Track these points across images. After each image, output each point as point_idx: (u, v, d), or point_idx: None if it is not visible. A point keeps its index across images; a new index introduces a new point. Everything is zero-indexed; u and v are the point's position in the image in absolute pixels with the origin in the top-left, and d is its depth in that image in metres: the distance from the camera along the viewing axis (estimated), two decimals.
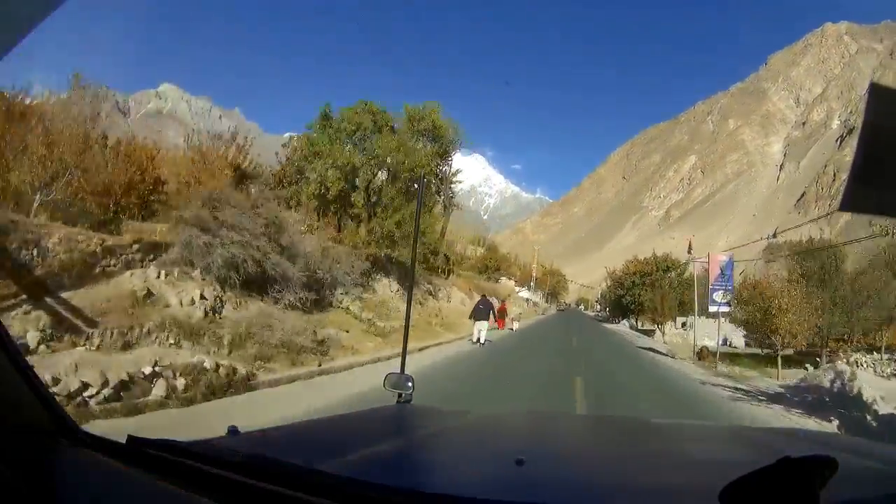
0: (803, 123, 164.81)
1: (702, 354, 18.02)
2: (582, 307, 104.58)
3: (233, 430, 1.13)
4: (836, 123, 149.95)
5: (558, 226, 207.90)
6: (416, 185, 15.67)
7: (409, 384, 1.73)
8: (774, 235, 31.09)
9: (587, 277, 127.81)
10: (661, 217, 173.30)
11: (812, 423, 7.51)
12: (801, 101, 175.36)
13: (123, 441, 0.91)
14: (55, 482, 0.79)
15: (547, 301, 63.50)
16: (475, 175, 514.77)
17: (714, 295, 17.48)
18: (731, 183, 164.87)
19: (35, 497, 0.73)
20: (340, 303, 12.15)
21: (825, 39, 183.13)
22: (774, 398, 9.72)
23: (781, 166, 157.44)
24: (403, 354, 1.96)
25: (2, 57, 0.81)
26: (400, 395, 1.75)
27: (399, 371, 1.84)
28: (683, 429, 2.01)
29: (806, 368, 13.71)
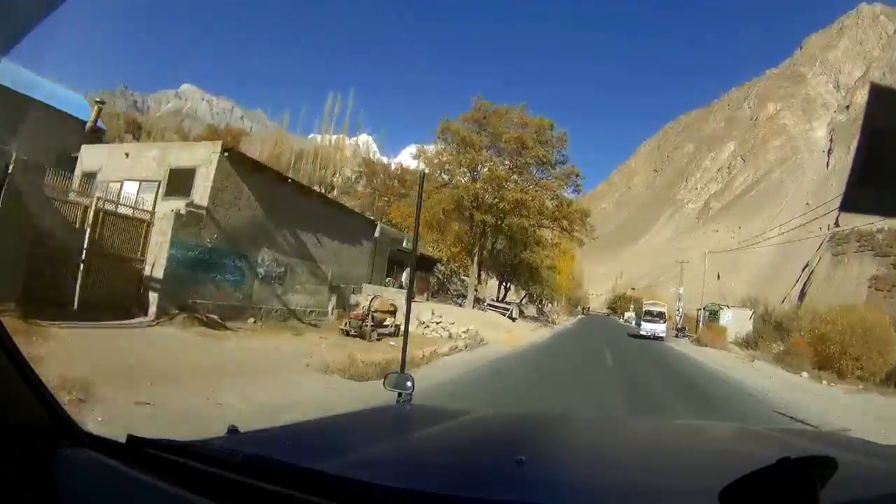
0: (847, 107, 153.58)
1: None
2: (623, 318, 60.09)
3: (233, 430, 1.15)
4: None
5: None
6: None
7: (409, 384, 1.73)
8: (837, 224, 28.34)
9: (619, 276, 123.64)
10: (700, 209, 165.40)
11: None
12: (842, 85, 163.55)
13: (123, 441, 0.92)
14: (55, 482, 0.81)
15: (524, 305, 29.74)
16: None
17: None
18: (775, 170, 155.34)
19: (35, 497, 0.75)
20: None
21: (861, 20, 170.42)
22: None
23: (830, 151, 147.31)
24: (403, 354, 1.98)
25: (6, 52, 0.83)
26: (400, 395, 1.75)
27: (399, 371, 1.85)
28: (683, 429, 1.98)
29: None
